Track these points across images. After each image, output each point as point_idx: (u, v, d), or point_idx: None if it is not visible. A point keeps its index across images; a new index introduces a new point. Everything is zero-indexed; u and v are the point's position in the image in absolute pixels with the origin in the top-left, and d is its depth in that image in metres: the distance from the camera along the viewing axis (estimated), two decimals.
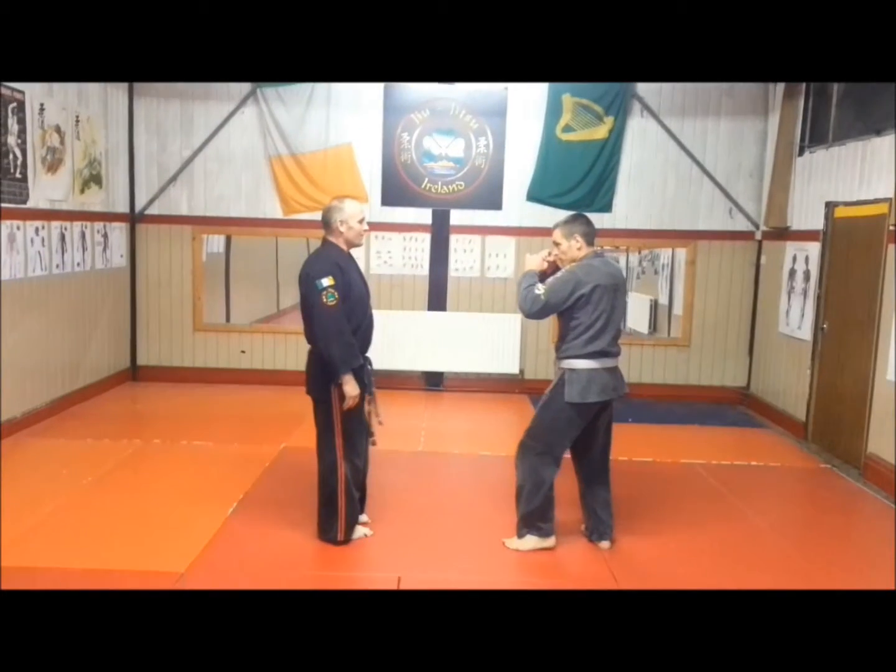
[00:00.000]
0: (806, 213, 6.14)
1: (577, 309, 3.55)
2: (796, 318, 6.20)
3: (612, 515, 3.84)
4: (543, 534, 3.71)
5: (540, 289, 3.57)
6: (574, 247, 3.65)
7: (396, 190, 7.03)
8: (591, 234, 3.69)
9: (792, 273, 6.32)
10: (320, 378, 3.55)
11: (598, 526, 3.82)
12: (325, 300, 3.45)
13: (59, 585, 3.22)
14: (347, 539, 3.67)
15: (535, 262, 3.76)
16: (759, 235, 6.99)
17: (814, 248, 5.93)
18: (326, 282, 3.46)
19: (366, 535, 3.79)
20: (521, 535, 3.73)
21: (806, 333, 6.01)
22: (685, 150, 6.96)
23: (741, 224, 7.02)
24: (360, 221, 3.68)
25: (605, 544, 3.81)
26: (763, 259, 6.96)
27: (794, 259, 6.28)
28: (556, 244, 3.70)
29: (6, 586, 3.19)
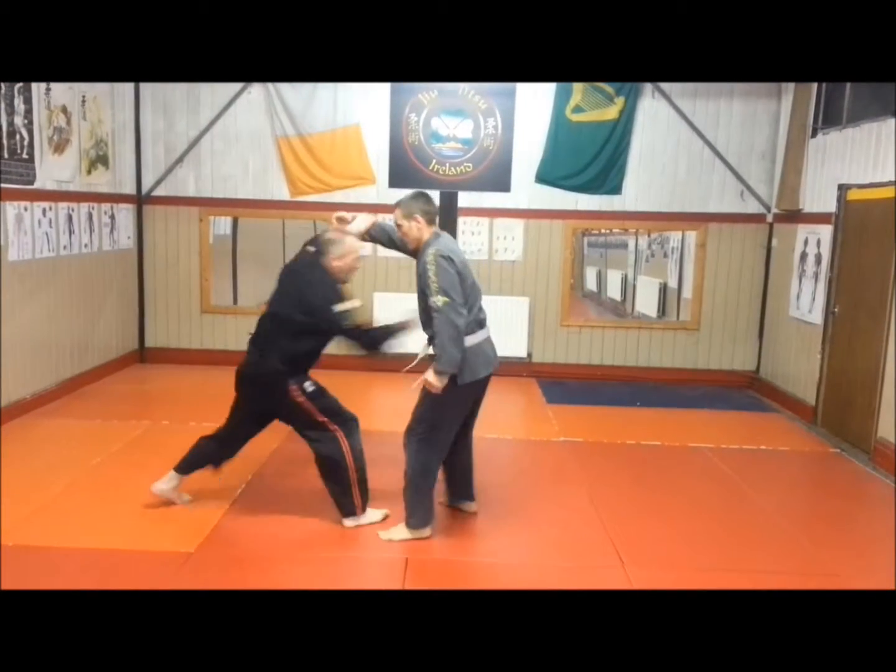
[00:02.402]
0: (818, 196, 6.07)
1: None
2: (807, 301, 6.15)
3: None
4: (420, 523, 3.59)
5: (438, 300, 3.32)
6: (415, 227, 3.55)
7: (404, 171, 6.98)
8: (432, 214, 3.61)
9: (803, 256, 6.26)
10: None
11: (465, 489, 3.89)
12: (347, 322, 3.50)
13: (68, 565, 3.24)
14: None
15: (357, 227, 3.72)
16: (770, 218, 6.92)
17: (826, 232, 5.87)
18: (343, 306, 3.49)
19: (386, 517, 3.80)
20: (407, 525, 3.60)
21: (817, 317, 5.96)
22: (697, 132, 6.88)
23: (753, 207, 6.95)
24: (356, 259, 3.65)
25: (472, 506, 3.89)
26: (774, 242, 6.90)
27: (806, 242, 6.22)
28: (398, 225, 3.60)
29: (14, 563, 3.21)
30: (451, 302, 3.32)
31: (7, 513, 3.72)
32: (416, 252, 3.60)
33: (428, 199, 3.65)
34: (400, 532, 3.60)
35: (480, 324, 3.55)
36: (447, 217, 7.07)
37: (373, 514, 3.75)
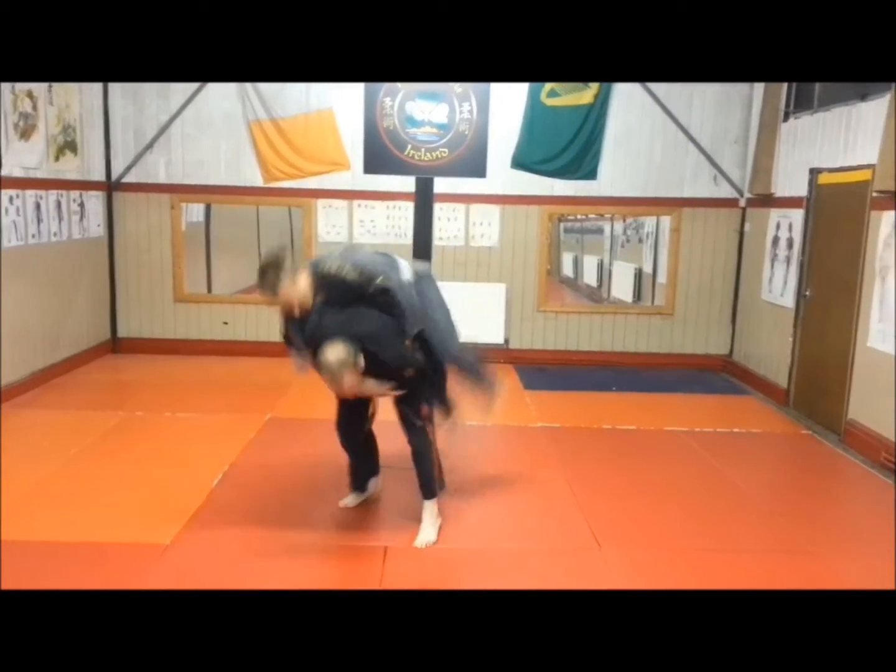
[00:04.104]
0: (790, 180, 6.13)
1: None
2: (779, 285, 6.23)
3: None
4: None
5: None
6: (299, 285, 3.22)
7: (379, 156, 6.92)
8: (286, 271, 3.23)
9: (775, 240, 6.33)
10: None
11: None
12: None
13: (44, 559, 3.20)
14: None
15: None
16: (743, 202, 6.98)
17: (798, 215, 5.93)
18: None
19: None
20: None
21: (789, 300, 6.04)
22: (670, 116, 6.90)
23: (726, 191, 7.00)
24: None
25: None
26: (747, 226, 6.96)
27: (778, 226, 6.29)
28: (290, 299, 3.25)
29: None
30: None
31: None
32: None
33: (265, 266, 3.25)
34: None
35: None
36: (423, 203, 7.05)
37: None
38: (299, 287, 3.24)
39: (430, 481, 3.55)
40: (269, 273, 3.20)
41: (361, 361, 3.13)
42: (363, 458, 3.82)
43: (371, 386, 3.28)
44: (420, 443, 3.51)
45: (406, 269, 3.48)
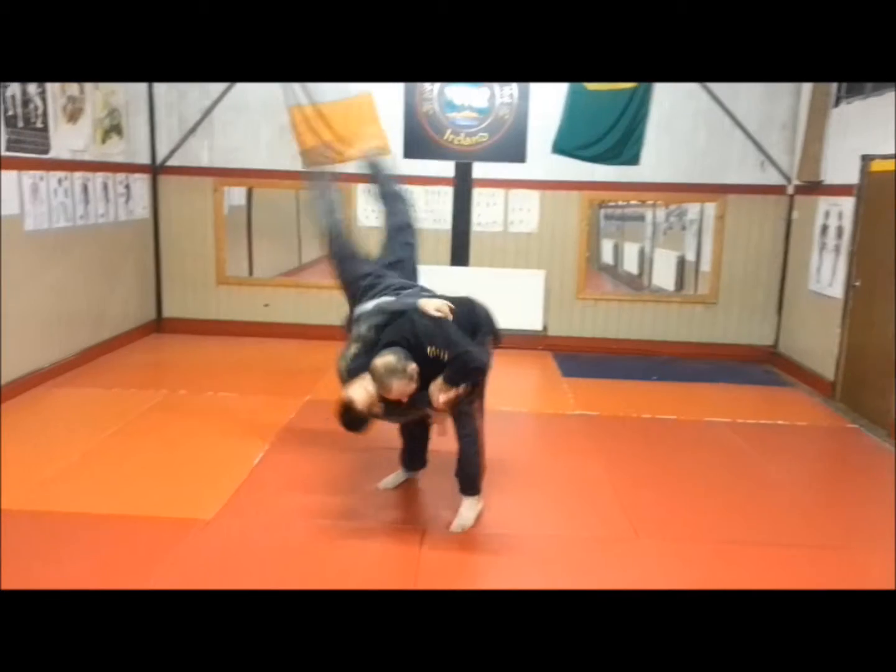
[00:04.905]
0: (840, 167, 5.94)
1: None
2: (827, 275, 6.06)
3: None
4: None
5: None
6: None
7: (418, 141, 6.90)
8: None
9: (824, 229, 6.15)
10: None
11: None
12: None
13: (86, 529, 3.29)
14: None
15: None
16: (791, 190, 6.80)
17: (847, 203, 5.75)
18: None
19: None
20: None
21: (837, 291, 5.87)
22: (717, 101, 6.74)
23: (773, 178, 6.83)
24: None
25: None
26: (795, 214, 6.78)
27: (827, 214, 6.11)
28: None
29: (33, 528, 3.27)
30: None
31: (26, 479, 3.77)
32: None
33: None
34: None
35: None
36: (462, 188, 7.02)
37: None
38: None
39: (473, 480, 3.51)
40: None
41: (413, 368, 3.09)
42: (415, 445, 3.86)
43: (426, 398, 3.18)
44: (468, 433, 3.48)
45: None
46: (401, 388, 3.07)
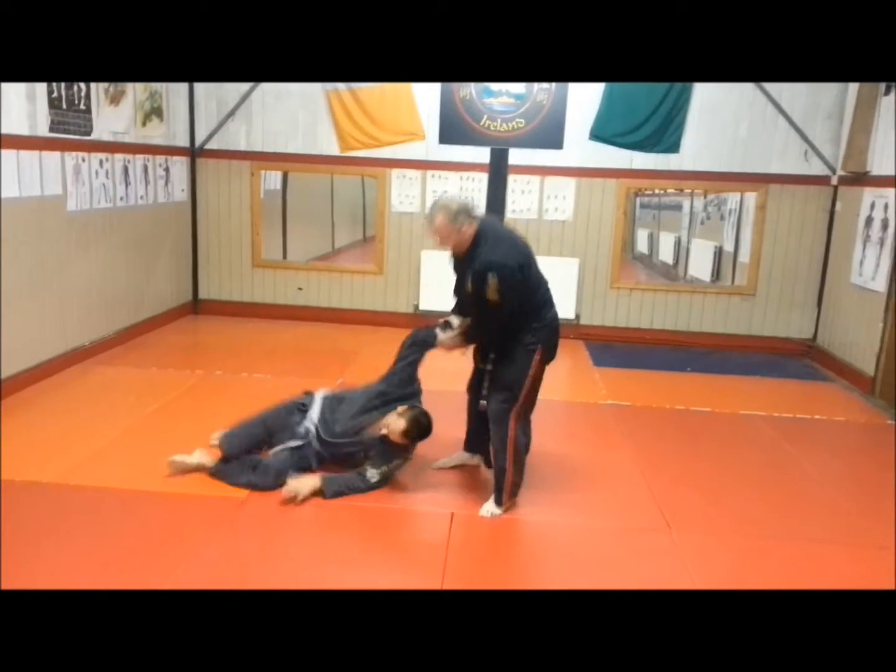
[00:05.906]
0: (888, 158, 5.78)
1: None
2: (870, 268, 5.91)
3: None
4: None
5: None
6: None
7: (455, 127, 6.87)
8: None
9: (869, 221, 6.00)
10: None
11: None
12: None
13: (124, 504, 3.37)
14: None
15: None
16: (835, 180, 6.63)
17: (894, 195, 5.60)
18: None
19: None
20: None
21: (880, 285, 5.73)
22: (760, 88, 6.59)
23: (817, 168, 6.67)
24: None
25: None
26: (838, 206, 6.62)
27: (873, 206, 5.95)
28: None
29: (74, 502, 3.35)
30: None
31: (68, 454, 3.87)
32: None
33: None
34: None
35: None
36: (497, 175, 6.97)
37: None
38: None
39: (498, 487, 3.47)
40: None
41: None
42: (478, 427, 3.82)
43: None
44: (496, 431, 3.48)
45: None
46: (443, 222, 3.30)
